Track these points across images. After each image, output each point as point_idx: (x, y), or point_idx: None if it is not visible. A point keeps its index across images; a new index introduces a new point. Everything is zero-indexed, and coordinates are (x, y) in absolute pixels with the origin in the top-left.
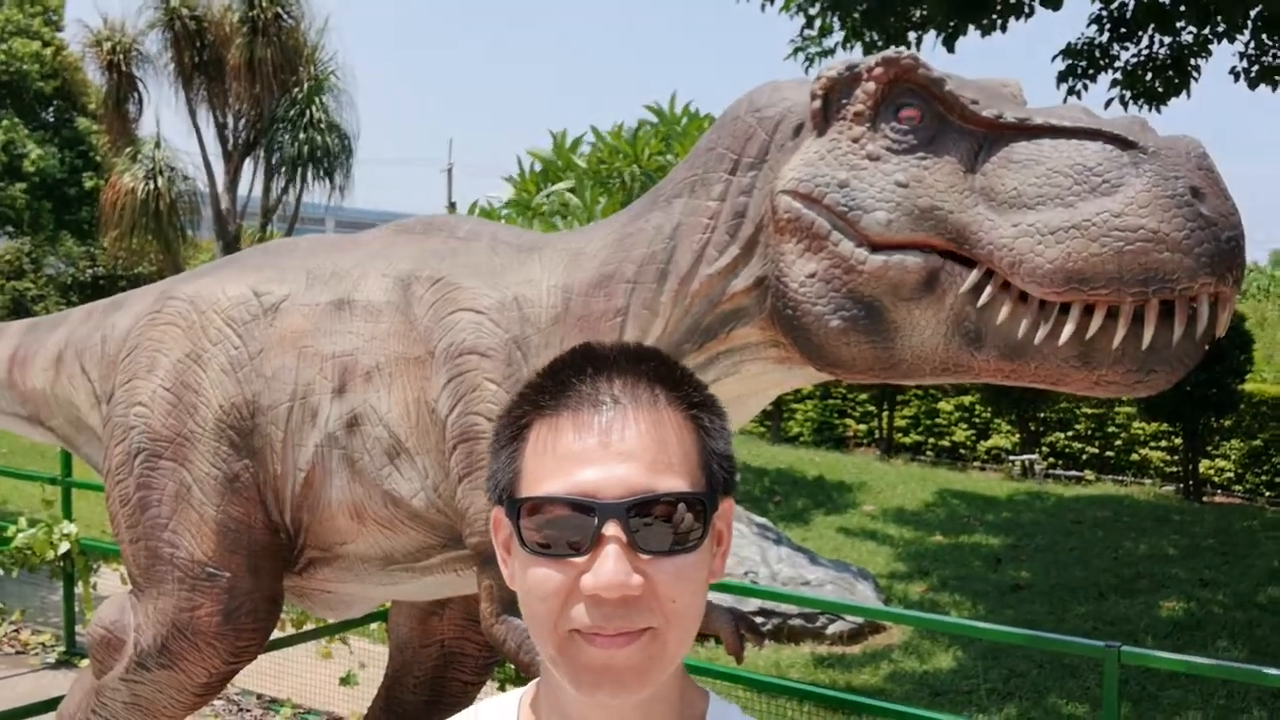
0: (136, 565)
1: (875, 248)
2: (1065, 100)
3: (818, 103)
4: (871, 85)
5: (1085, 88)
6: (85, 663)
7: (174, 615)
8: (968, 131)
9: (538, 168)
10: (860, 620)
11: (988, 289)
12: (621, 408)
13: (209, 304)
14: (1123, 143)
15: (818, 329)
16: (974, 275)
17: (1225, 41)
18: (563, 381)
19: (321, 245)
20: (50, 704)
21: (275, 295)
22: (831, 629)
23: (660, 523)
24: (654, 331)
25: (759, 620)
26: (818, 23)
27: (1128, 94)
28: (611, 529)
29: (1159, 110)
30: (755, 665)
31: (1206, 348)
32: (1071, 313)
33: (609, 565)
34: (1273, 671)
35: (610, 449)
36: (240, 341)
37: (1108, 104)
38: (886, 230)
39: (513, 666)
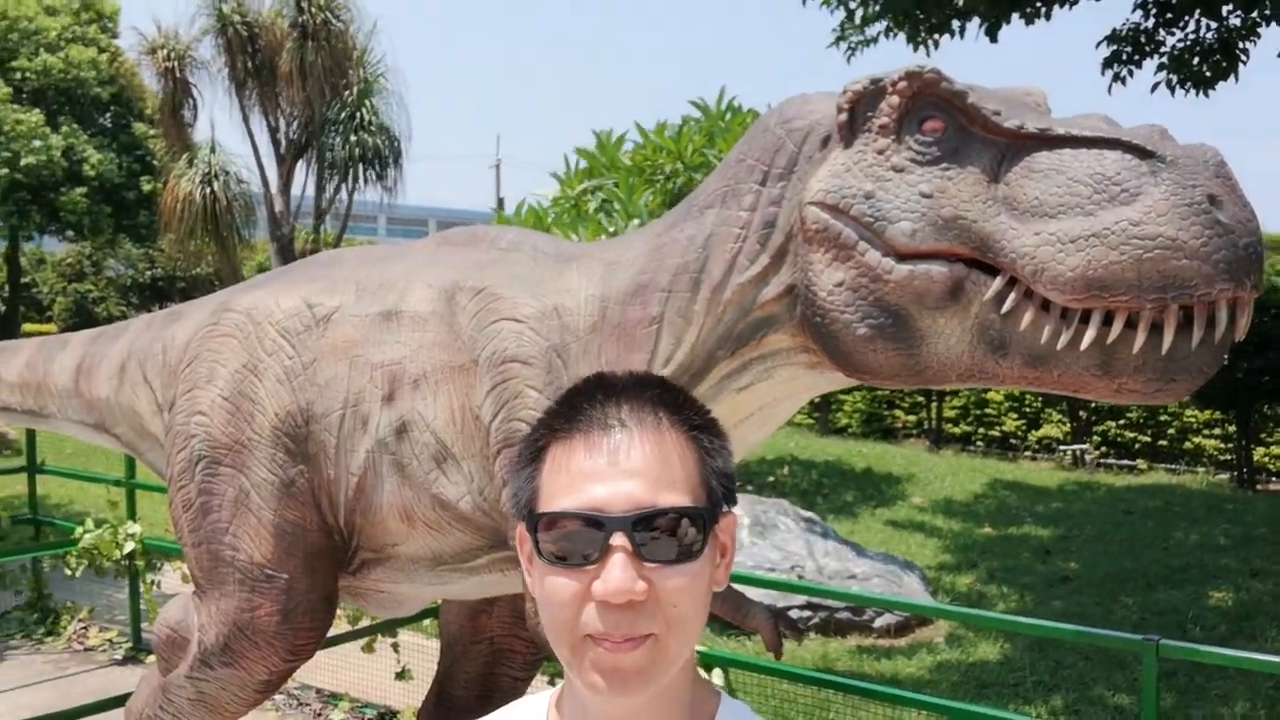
0: (199, 567)
1: (901, 257)
2: (1110, 87)
3: (844, 116)
4: (895, 99)
5: (1130, 74)
6: (151, 659)
7: (235, 615)
8: (990, 142)
9: (583, 165)
10: (907, 613)
11: (1011, 296)
12: (628, 430)
13: (264, 315)
14: (1142, 152)
15: (846, 336)
16: (997, 283)
17: (1274, 24)
18: (576, 407)
19: (369, 257)
20: (119, 700)
21: (327, 306)
22: (879, 622)
23: (665, 535)
24: (687, 339)
25: (805, 614)
26: (859, 14)
27: (1174, 79)
28: (618, 540)
29: (1206, 95)
30: (802, 658)
31: (1226, 358)
32: (1092, 319)
33: (616, 573)
34: None
35: (618, 467)
36: (294, 352)
37: (1154, 88)
38: (911, 240)
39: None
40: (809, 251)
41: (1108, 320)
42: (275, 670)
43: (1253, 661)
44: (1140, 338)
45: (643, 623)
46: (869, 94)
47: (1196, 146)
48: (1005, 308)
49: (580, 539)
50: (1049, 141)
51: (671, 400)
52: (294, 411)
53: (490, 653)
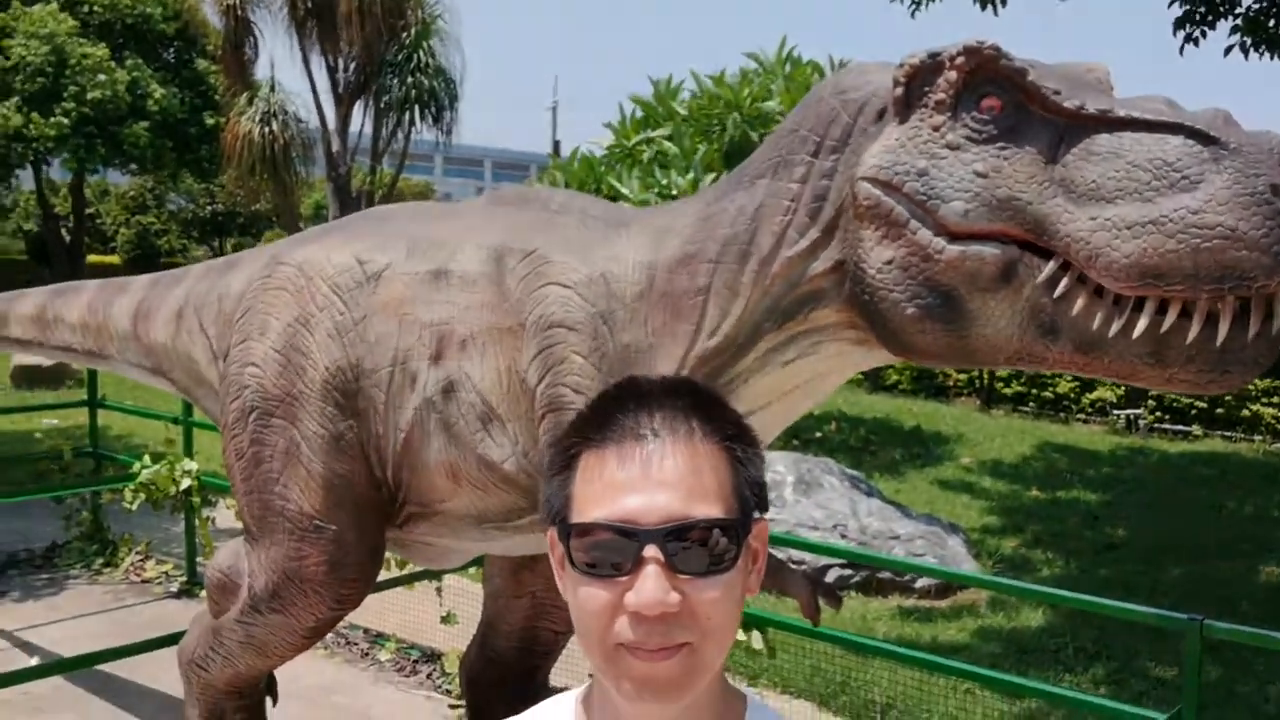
0: (250, 515)
1: (953, 237)
2: (1182, 48)
3: (900, 90)
4: (953, 74)
5: (1204, 34)
6: (204, 594)
7: (284, 564)
8: (1049, 121)
9: (639, 114)
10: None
11: (1064, 281)
12: (660, 440)
13: (316, 270)
14: (1204, 138)
15: (894, 315)
16: (1050, 267)
17: None
18: (608, 415)
19: (420, 214)
20: (171, 638)
21: (378, 263)
22: (920, 583)
23: (696, 546)
24: (734, 311)
25: (846, 573)
26: None
27: (1248, 41)
28: (651, 551)
29: None
30: (843, 618)
31: None
32: (1146, 308)
33: (649, 585)
34: None
35: (650, 478)
36: (345, 308)
37: (1227, 51)
38: (964, 220)
39: None
40: (859, 228)
41: (1162, 309)
42: (323, 618)
43: None
44: (1195, 328)
45: (676, 633)
46: (926, 68)
47: (1261, 134)
48: (1057, 292)
49: (612, 549)
50: (1109, 123)
51: (704, 408)
52: (344, 367)
53: (532, 607)
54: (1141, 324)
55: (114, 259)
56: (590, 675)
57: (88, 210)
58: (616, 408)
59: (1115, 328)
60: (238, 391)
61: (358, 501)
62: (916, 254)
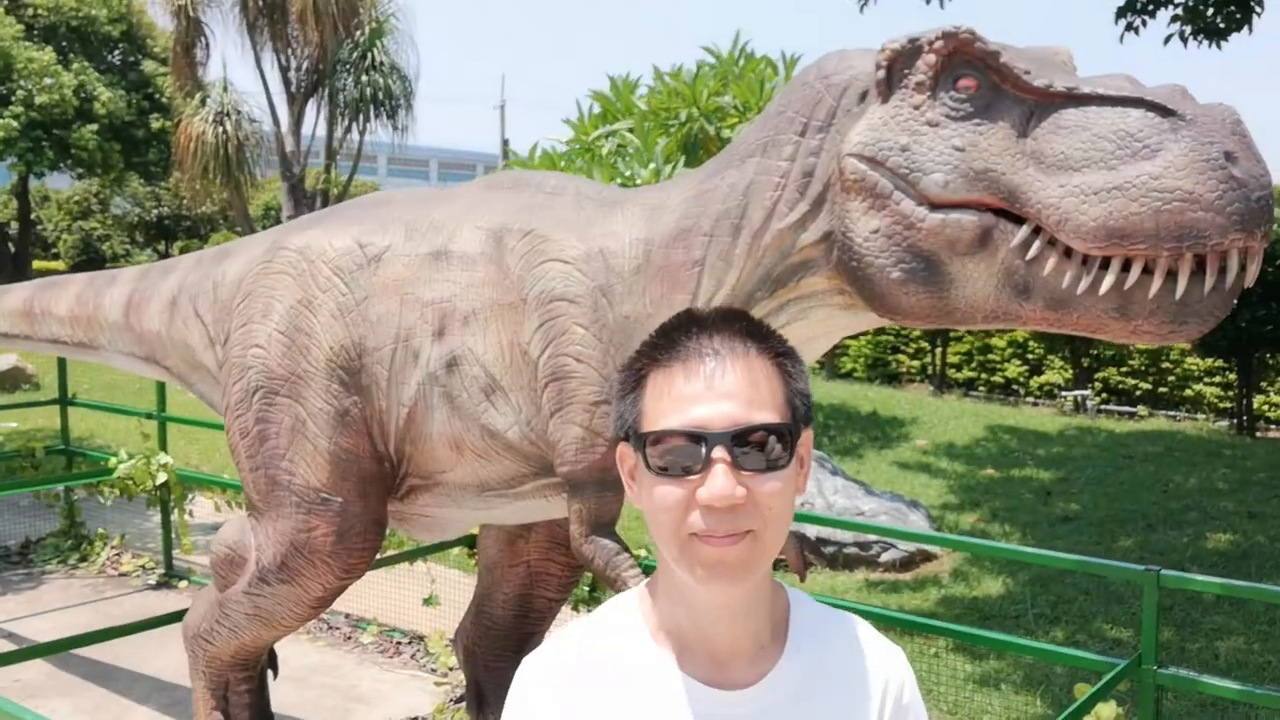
0: (256, 491)
1: (934, 206)
2: (1122, 36)
3: (881, 73)
4: (932, 57)
5: (1144, 23)
6: (184, 585)
7: (292, 536)
8: (1020, 99)
9: (597, 109)
10: (912, 549)
11: (1035, 244)
12: (721, 358)
13: (317, 254)
14: (1163, 110)
15: (880, 280)
16: (1023, 232)
17: None
18: (673, 339)
19: (416, 198)
20: (163, 619)
21: (378, 246)
22: (885, 557)
23: (755, 449)
24: (728, 281)
25: None
26: None
27: (1188, 30)
28: (719, 453)
29: (1219, 46)
30: (811, 589)
31: (1235, 301)
32: (1111, 266)
33: (719, 480)
34: None
35: (714, 390)
36: (347, 289)
37: (1167, 40)
38: (944, 190)
39: (585, 586)
40: (846, 200)
41: (1125, 267)
42: (329, 587)
43: (1249, 590)
44: (1156, 283)
45: (742, 521)
46: (906, 52)
47: (1215, 105)
48: (1030, 254)
49: (684, 453)
50: (1076, 99)
51: (756, 331)
52: (348, 345)
53: (527, 575)
54: (1107, 281)
55: (59, 265)
56: (570, 606)
57: (29, 216)
58: (680, 333)
59: (1083, 285)
60: (241, 372)
61: (362, 475)
62: (900, 223)
